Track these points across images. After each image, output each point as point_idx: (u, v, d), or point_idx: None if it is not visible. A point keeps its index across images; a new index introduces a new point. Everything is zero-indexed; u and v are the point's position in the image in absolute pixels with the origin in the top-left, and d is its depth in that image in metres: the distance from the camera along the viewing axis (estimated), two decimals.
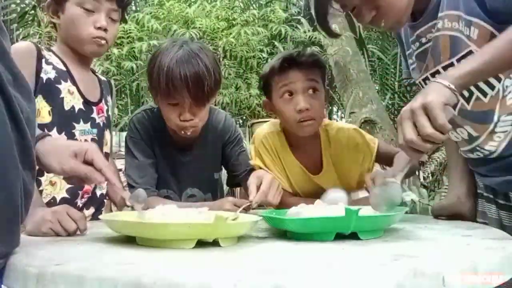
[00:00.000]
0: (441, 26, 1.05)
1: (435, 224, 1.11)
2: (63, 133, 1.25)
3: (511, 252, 0.72)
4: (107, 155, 1.37)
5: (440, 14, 1.04)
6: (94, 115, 1.34)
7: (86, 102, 1.32)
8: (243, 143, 1.58)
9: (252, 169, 1.44)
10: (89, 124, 1.32)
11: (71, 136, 1.26)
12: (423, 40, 1.13)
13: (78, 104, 1.30)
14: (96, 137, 1.33)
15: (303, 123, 1.35)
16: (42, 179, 1.22)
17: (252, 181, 1.22)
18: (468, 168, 1.25)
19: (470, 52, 1.01)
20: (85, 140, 1.29)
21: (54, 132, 1.22)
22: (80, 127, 1.29)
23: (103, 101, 1.39)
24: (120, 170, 1.57)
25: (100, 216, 0.92)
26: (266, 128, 1.51)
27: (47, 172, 0.91)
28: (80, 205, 1.29)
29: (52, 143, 0.91)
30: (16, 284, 0.63)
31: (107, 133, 1.40)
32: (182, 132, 1.37)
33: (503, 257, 0.69)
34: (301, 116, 1.34)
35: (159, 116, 1.44)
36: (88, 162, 0.89)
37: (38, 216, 0.94)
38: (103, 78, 1.46)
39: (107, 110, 1.40)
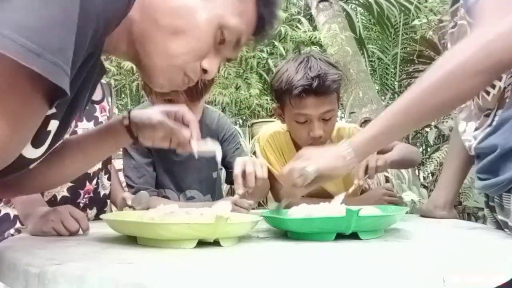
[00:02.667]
0: (462, 14, 1.01)
1: (435, 224, 1.11)
2: None
3: None
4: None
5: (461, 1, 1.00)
6: (97, 113, 1.33)
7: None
8: (238, 140, 1.58)
9: None
10: (92, 122, 1.31)
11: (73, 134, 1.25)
12: (452, 22, 1.09)
13: None
14: None
15: (313, 143, 1.36)
16: None
17: (237, 172, 1.14)
18: (455, 174, 1.28)
19: None
20: None
21: None
22: (83, 125, 1.29)
23: (105, 100, 1.39)
24: (120, 170, 1.56)
25: (101, 216, 0.92)
26: (272, 127, 1.52)
27: (136, 136, 0.90)
28: (82, 205, 1.29)
29: (143, 115, 0.90)
30: (17, 284, 0.63)
31: None
32: None
33: (503, 257, 0.69)
34: (312, 140, 1.35)
35: None
36: (178, 120, 0.89)
37: (40, 215, 0.94)
38: (102, 80, 1.46)
39: (109, 110, 1.40)
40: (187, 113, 0.90)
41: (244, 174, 1.13)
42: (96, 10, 0.55)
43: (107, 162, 1.36)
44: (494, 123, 1.00)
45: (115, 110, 4.27)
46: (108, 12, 0.59)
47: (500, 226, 1.07)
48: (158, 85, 0.75)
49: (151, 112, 0.89)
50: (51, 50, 0.48)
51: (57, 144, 0.72)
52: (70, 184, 1.26)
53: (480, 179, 1.06)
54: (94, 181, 1.32)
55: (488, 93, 1.04)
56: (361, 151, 0.90)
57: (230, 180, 1.63)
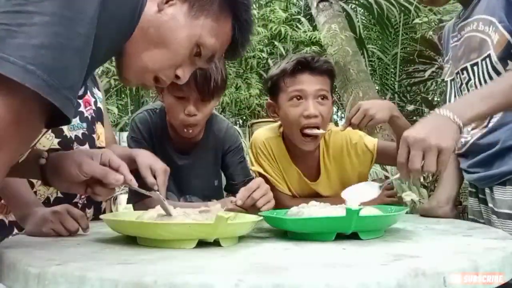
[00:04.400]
0: (475, 27, 1.16)
1: (435, 224, 1.11)
2: (50, 130, 1.19)
3: None
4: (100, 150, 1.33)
5: (476, 16, 1.16)
6: (82, 108, 1.29)
7: None
8: (243, 153, 1.57)
9: (251, 180, 1.45)
10: (77, 118, 1.27)
11: (59, 132, 1.21)
12: (459, 35, 1.25)
13: None
14: (86, 131, 1.28)
15: (306, 138, 1.34)
16: (34, 180, 1.20)
17: (248, 186, 1.16)
18: (455, 172, 1.32)
19: (489, 56, 1.11)
20: (75, 136, 1.24)
21: None
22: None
23: (88, 93, 1.34)
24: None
25: (101, 216, 0.91)
26: (264, 133, 1.50)
27: (64, 189, 0.87)
28: (80, 205, 1.28)
29: (65, 155, 0.85)
30: (17, 284, 0.63)
31: (98, 126, 1.34)
32: (184, 130, 1.37)
33: (503, 257, 0.69)
34: (307, 121, 1.32)
35: (160, 117, 1.45)
36: (105, 164, 0.84)
37: (38, 216, 0.94)
38: None
39: (95, 102, 1.35)
40: (113, 158, 0.85)
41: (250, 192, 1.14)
42: (106, 46, 0.69)
43: None
44: (491, 124, 1.06)
45: (115, 110, 4.28)
46: (116, 44, 0.74)
47: (481, 215, 1.13)
48: (126, 81, 0.88)
49: (78, 160, 0.82)
50: (65, 86, 0.59)
51: None
52: None
53: (469, 172, 1.15)
54: None
55: None
56: (467, 124, 0.94)
57: (229, 189, 1.63)
